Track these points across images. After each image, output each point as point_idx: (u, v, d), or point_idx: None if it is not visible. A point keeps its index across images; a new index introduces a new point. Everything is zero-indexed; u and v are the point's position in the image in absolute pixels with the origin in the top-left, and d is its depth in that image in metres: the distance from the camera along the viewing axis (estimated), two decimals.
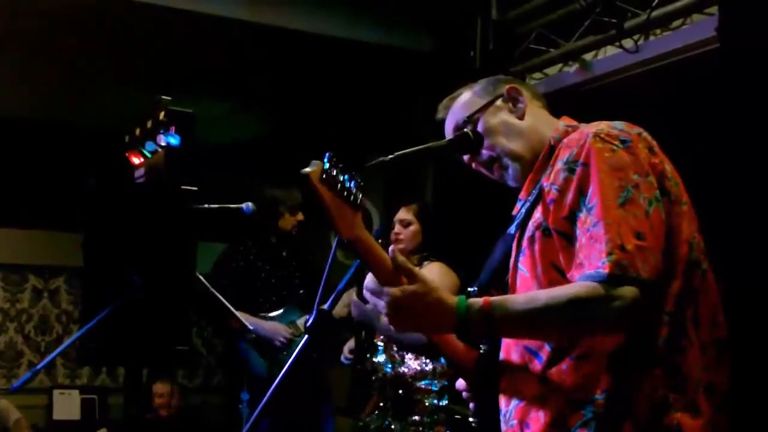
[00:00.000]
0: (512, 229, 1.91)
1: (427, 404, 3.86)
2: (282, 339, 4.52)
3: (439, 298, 1.66)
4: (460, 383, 1.97)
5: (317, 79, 5.70)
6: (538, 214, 1.80)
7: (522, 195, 1.95)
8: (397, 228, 4.16)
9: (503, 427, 1.81)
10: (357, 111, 5.93)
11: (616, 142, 1.72)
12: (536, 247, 1.77)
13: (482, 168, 2.01)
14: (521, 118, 1.97)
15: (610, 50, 4.42)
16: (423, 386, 3.88)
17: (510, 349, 1.82)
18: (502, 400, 1.83)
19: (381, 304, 1.68)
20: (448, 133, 2.05)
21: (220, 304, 4.05)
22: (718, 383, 1.72)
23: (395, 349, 3.99)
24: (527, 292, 1.78)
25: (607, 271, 1.57)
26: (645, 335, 1.67)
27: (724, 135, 3.63)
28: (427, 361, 3.89)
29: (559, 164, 1.75)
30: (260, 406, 1.82)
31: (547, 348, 1.74)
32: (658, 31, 4.20)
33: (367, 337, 4.12)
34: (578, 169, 1.70)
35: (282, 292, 4.72)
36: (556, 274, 1.73)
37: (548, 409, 1.72)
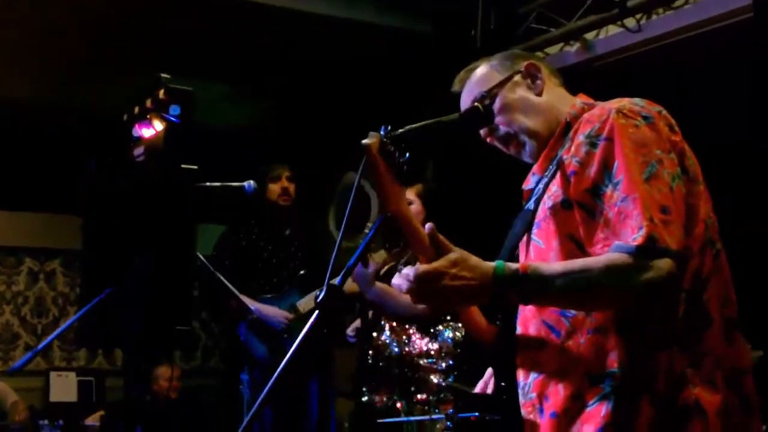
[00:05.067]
0: (530, 204, 1.90)
1: (433, 383, 3.87)
2: (281, 322, 4.51)
3: (478, 261, 1.65)
4: (480, 387, 1.98)
5: (315, 60, 5.66)
6: (555, 188, 1.80)
7: (536, 170, 1.94)
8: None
9: (521, 399, 1.81)
10: (356, 93, 5.88)
11: (639, 119, 1.72)
12: (554, 219, 1.77)
13: (499, 143, 2.00)
14: (539, 94, 1.97)
15: (612, 29, 4.40)
16: (429, 365, 3.88)
17: (527, 323, 1.82)
18: (520, 374, 1.83)
19: (429, 285, 1.64)
20: (464, 106, 2.03)
21: (221, 284, 4.03)
22: (731, 360, 1.72)
23: (400, 327, 3.99)
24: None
25: (638, 243, 1.58)
26: (663, 312, 1.67)
27: (728, 115, 3.63)
28: (433, 340, 3.90)
29: (581, 138, 1.75)
30: (268, 386, 1.78)
31: (565, 322, 1.74)
32: (660, 10, 4.19)
33: (374, 316, 4.12)
34: (601, 144, 1.71)
35: (283, 273, 4.70)
36: (573, 246, 1.73)
37: (567, 383, 1.72)
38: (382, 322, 4.10)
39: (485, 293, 1.65)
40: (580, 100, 1.94)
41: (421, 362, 3.83)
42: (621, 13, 4.20)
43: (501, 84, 1.97)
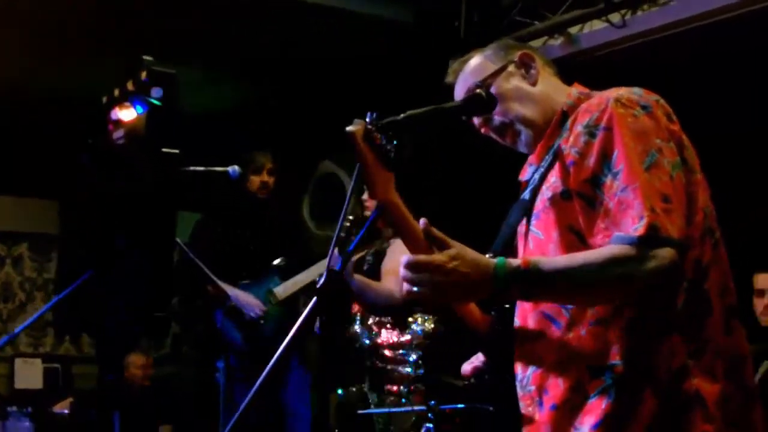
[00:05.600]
0: (526, 194, 1.89)
1: (403, 374, 3.86)
2: (256, 312, 4.47)
3: (479, 258, 1.62)
4: (465, 368, 1.95)
5: (294, 47, 5.60)
6: (553, 178, 1.80)
7: (533, 161, 1.94)
8: (366, 195, 4.14)
9: (519, 392, 1.80)
10: (336, 80, 5.84)
11: (638, 108, 1.72)
12: (554, 210, 1.76)
13: (494, 134, 1.99)
14: (534, 84, 1.96)
15: (597, 24, 4.40)
16: (399, 356, 3.87)
17: (526, 315, 1.81)
18: (518, 366, 1.82)
19: (423, 277, 1.60)
20: (458, 97, 2.02)
21: (199, 270, 3.98)
22: (731, 349, 1.72)
23: (371, 319, 3.98)
24: (542, 255, 1.76)
25: (640, 233, 1.57)
26: (664, 302, 1.66)
27: (711, 111, 3.65)
28: (404, 331, 3.88)
29: (579, 128, 1.74)
30: (265, 371, 1.74)
31: (565, 314, 1.73)
32: (645, 6, 4.20)
33: (344, 308, 4.09)
34: (600, 134, 1.70)
35: (260, 260, 4.66)
36: (573, 238, 1.72)
37: (567, 375, 1.71)
38: (353, 313, 4.08)
39: (485, 289, 1.62)
40: (576, 89, 1.94)
41: (391, 353, 3.82)
42: (606, 8, 4.21)
43: (495, 74, 1.96)
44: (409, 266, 1.61)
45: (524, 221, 1.87)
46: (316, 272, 4.48)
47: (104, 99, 3.88)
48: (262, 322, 4.49)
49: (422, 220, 1.66)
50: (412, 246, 1.65)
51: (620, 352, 1.66)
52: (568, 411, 1.70)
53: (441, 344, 4.02)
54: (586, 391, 1.68)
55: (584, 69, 4.49)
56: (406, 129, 1.77)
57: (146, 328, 3.87)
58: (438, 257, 1.60)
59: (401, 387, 3.84)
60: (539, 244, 1.80)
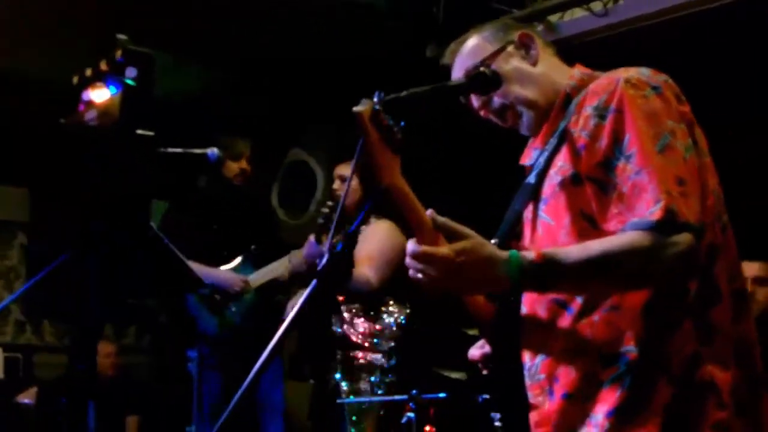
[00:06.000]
0: (531, 179, 1.84)
1: (376, 365, 3.82)
2: (238, 287, 4.37)
3: (491, 253, 1.55)
4: (474, 353, 1.90)
5: (262, 31, 5.48)
6: (561, 162, 1.75)
7: (537, 144, 1.90)
8: (337, 184, 4.09)
9: (528, 381, 1.76)
10: (306, 67, 5.74)
11: (648, 89, 1.69)
12: (564, 195, 1.72)
13: (493, 116, 1.95)
14: (534, 65, 1.92)
15: (578, 12, 4.37)
16: (372, 345, 3.83)
17: (534, 303, 1.76)
18: (526, 355, 1.78)
19: (428, 268, 1.54)
20: (456, 78, 1.97)
21: (174, 256, 3.87)
22: (740, 336, 1.69)
23: (344, 308, 3.93)
24: (553, 241, 1.73)
25: (657, 218, 1.53)
26: (676, 287, 1.63)
27: (692, 104, 3.64)
28: (375, 321, 3.85)
29: (588, 110, 1.71)
30: (269, 348, 1.66)
31: (578, 300, 1.69)
32: None
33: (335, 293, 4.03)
34: (610, 116, 1.66)
35: (233, 247, 4.58)
36: (585, 224, 1.68)
37: (579, 363, 1.67)
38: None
39: (498, 284, 1.58)
40: (578, 70, 1.91)
41: (364, 342, 3.77)
42: None
43: (494, 55, 1.92)
44: (415, 257, 1.55)
45: (531, 206, 1.83)
46: (288, 261, 4.42)
47: (75, 79, 3.73)
48: (234, 309, 4.40)
49: (429, 211, 1.60)
50: (419, 233, 1.59)
51: (634, 339, 1.62)
52: (581, 399, 1.66)
53: (414, 334, 4.00)
54: (599, 379, 1.64)
55: (564, 58, 4.46)
56: (409, 107, 1.71)
57: (118, 316, 3.77)
58: (444, 251, 1.54)
59: (372, 377, 3.80)
60: (549, 230, 1.75)
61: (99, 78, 3.60)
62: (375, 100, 1.57)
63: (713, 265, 1.67)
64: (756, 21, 3.78)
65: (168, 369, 4.75)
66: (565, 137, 1.76)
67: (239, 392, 1.69)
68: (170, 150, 3.26)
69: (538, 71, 1.90)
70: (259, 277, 4.49)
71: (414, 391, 3.33)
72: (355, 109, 1.55)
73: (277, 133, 6.55)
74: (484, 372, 1.95)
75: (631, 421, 1.60)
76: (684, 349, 1.61)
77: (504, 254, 1.55)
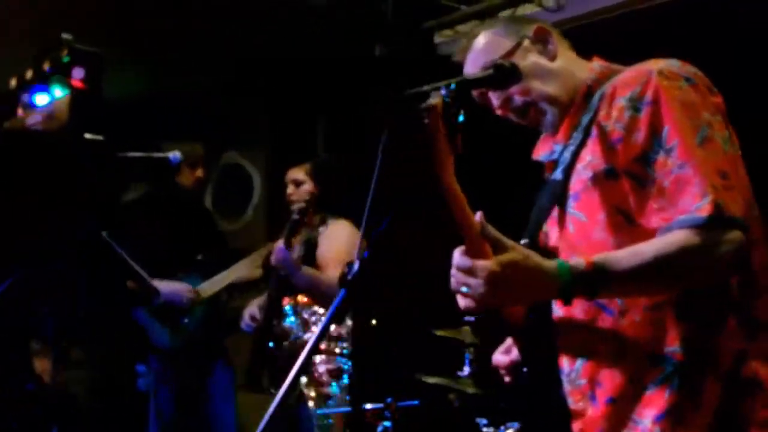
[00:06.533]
0: (557, 175, 1.76)
1: (343, 369, 3.72)
2: (187, 297, 4.18)
3: (538, 264, 1.49)
4: (500, 359, 1.82)
5: (202, 28, 5.29)
6: (589, 156, 1.69)
7: (559, 139, 1.83)
8: (290, 188, 3.99)
9: (567, 387, 1.69)
10: (252, 63, 5.57)
11: (681, 80, 1.65)
12: (597, 190, 1.65)
13: (513, 114, 1.87)
14: (553, 59, 1.87)
15: (529, 8, 4.33)
16: (335, 350, 3.73)
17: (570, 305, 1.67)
18: (564, 360, 1.70)
19: (472, 282, 1.47)
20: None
21: (124, 264, 3.67)
22: None
23: (306, 313, 3.82)
24: (586, 237, 1.67)
25: (705, 214, 1.49)
26: (721, 283, 1.59)
27: None
28: (339, 324, 3.75)
29: (621, 101, 1.65)
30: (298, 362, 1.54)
31: (616, 300, 1.62)
32: None
33: (275, 302, 3.90)
34: (646, 108, 1.61)
35: (182, 256, 4.38)
36: (621, 219, 1.63)
37: (623, 365, 1.61)
38: (286, 307, 3.91)
39: (546, 295, 1.53)
40: (597, 62, 1.85)
41: (327, 347, 3.66)
42: None
43: (511, 51, 1.85)
44: (461, 269, 1.48)
45: (558, 203, 1.75)
46: (240, 269, 4.28)
47: (13, 81, 3.50)
48: (186, 320, 4.21)
49: (478, 214, 1.52)
50: (466, 237, 1.49)
51: (678, 338, 1.57)
52: (626, 404, 1.60)
53: (384, 338, 3.91)
54: (643, 381, 1.59)
55: None
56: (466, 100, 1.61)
57: (68, 330, 3.56)
58: (490, 265, 1.46)
59: (339, 382, 3.71)
60: (582, 227, 1.69)
61: (41, 79, 3.40)
62: (443, 93, 1.47)
63: (752, 258, 1.63)
64: (712, 12, 3.79)
65: (115, 384, 4.51)
66: (590, 131, 1.70)
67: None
68: (130, 154, 3.08)
69: (558, 66, 1.85)
70: (209, 286, 4.31)
71: (389, 399, 3.22)
72: (429, 102, 1.46)
73: (209, 136, 6.35)
74: (507, 379, 1.86)
75: (682, 423, 1.55)
76: (730, 346, 1.57)
77: (551, 264, 1.50)
